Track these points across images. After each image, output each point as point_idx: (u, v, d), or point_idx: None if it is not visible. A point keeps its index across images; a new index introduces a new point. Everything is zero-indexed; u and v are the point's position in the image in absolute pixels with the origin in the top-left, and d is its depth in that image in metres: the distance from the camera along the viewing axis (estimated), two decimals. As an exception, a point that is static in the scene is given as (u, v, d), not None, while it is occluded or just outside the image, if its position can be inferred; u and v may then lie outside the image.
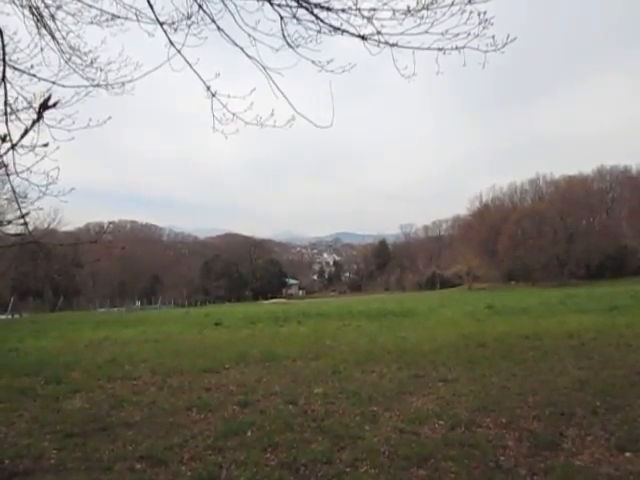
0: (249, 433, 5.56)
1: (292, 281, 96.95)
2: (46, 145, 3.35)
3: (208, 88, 4.63)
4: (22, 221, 3.52)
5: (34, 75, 4.82)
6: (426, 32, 3.95)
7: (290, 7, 4.30)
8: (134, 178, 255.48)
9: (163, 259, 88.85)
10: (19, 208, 3.61)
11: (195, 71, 4.50)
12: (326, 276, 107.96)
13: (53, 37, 5.11)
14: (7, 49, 4.55)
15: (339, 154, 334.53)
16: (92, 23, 5.09)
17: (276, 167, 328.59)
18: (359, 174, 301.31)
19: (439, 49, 4.01)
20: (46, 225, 47.90)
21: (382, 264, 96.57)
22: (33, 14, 5.04)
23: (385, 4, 4.01)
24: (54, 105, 2.80)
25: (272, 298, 74.70)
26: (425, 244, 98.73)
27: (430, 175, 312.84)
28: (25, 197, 3.83)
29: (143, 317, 26.37)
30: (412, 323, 16.87)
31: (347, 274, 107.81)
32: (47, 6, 5.04)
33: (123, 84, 5.09)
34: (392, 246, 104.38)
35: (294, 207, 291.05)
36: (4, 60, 4.44)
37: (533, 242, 64.11)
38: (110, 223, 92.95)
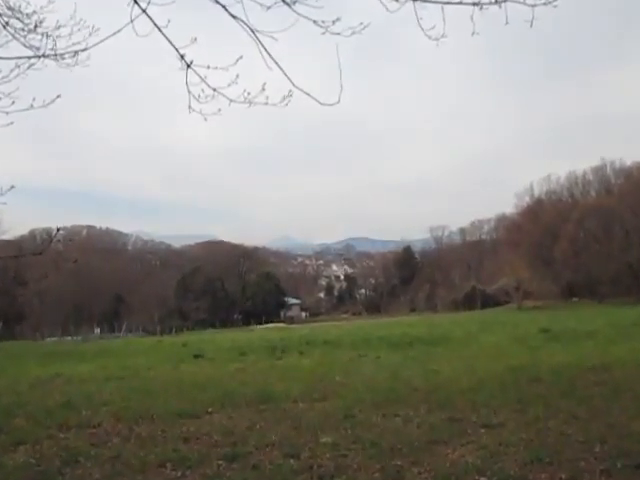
0: (238, 495, 5.55)
1: (292, 300, 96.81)
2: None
3: (182, 57, 4.64)
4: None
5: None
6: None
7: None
8: (92, 173, 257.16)
9: (128, 274, 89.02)
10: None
11: (165, 36, 4.51)
12: (336, 293, 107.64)
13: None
14: None
15: (349, 140, 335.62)
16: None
17: (270, 157, 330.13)
18: (375, 165, 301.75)
19: (474, 3, 3.99)
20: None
21: (407, 278, 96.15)
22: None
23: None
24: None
25: (267, 322, 74.51)
26: (462, 251, 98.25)
27: (466, 164, 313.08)
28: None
29: (104, 348, 26.40)
30: (446, 353, 16.80)
31: (362, 291, 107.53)
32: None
33: (76, 53, 5.08)
34: (419, 254, 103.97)
35: (294, 207, 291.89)
36: None
37: (600, 247, 63.63)
38: (60, 229, 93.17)
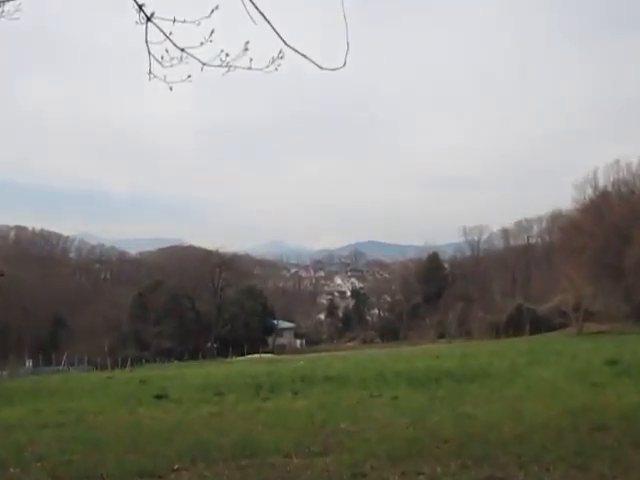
0: None
1: (284, 324, 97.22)
2: None
3: (140, 7, 4.65)
4: None
5: None
6: None
7: None
8: (21, 157, 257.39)
9: (70, 290, 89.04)
10: None
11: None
12: (340, 315, 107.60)
13: None
14: None
15: (356, 118, 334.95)
16: None
17: (256, 139, 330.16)
18: (389, 150, 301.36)
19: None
20: None
21: (433, 294, 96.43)
22: None
23: None
24: None
25: (251, 353, 74.67)
26: (504, 260, 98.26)
27: (509, 147, 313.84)
28: None
29: (38, 386, 26.32)
30: (483, 392, 16.79)
31: (375, 311, 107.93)
32: None
33: (1, 3, 5.09)
34: (449, 264, 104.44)
35: (286, 203, 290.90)
36: None
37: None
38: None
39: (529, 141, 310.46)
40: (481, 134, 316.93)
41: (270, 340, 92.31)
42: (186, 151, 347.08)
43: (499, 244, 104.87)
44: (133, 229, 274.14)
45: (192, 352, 77.31)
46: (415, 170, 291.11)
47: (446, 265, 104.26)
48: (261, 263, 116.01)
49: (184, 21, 4.61)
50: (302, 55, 4.51)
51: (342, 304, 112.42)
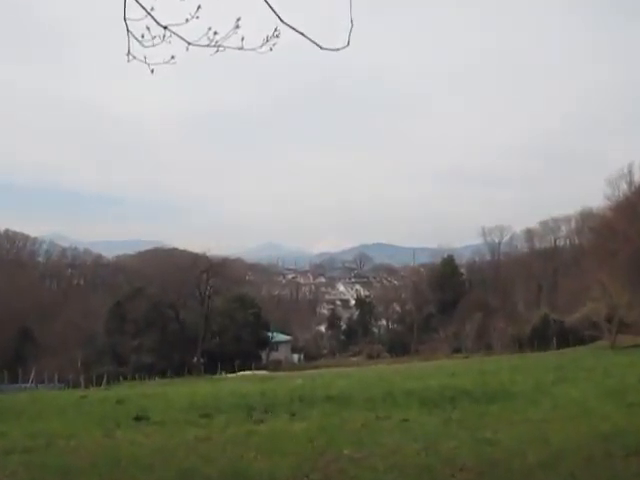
0: None
1: (280, 337, 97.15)
2: None
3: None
4: None
5: None
6: None
7: None
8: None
9: (39, 298, 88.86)
10: None
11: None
12: (343, 326, 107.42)
13: None
14: None
15: (361, 103, 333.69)
16: None
17: (247, 130, 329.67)
18: (399, 140, 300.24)
19: None
20: None
21: (449, 303, 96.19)
22: None
23: None
24: None
25: (243, 369, 74.58)
26: (528, 265, 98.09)
27: (535, 139, 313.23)
28: None
29: (2, 406, 26.26)
30: (505, 413, 16.78)
31: (382, 322, 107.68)
32: None
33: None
34: (467, 269, 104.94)
35: (283, 202, 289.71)
36: None
37: None
38: None
39: (557, 133, 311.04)
40: (501, 125, 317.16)
41: (264, 355, 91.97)
42: (169, 140, 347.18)
43: (522, 247, 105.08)
44: (109, 230, 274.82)
45: (176, 368, 76.73)
46: (428, 163, 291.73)
47: (463, 270, 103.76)
48: (254, 268, 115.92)
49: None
50: (300, 33, 4.50)
51: (345, 314, 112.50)
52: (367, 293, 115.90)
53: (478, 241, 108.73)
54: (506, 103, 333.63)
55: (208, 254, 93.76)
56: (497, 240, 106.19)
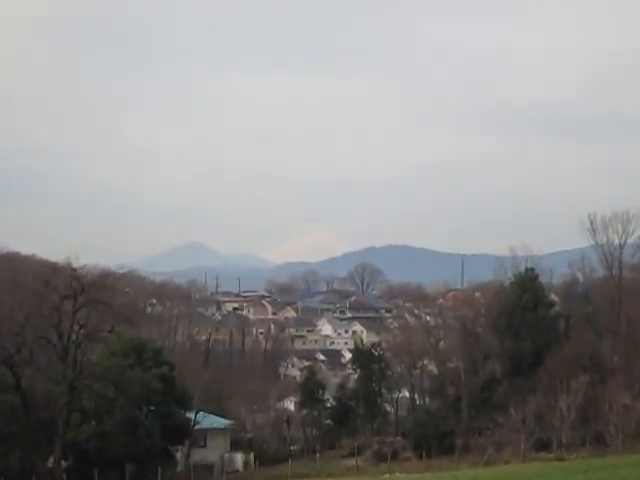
0: None
1: (212, 420, 75.32)
2: None
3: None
4: None
5: None
6: None
7: None
8: None
9: None
10: None
11: None
12: (330, 401, 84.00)
13: None
14: None
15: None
16: None
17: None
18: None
19: None
20: None
21: (527, 358, 74.20)
22: None
23: None
24: None
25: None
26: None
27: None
28: None
29: None
30: None
31: (404, 394, 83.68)
32: None
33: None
34: (561, 295, 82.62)
35: (207, 170, 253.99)
36: None
37: None
38: None
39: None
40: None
41: (180, 455, 69.18)
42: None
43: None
44: None
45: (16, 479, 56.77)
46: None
47: (554, 297, 78.47)
48: (163, 290, 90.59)
49: None
50: None
51: (334, 379, 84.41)
52: (375, 339, 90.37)
53: (581, 243, 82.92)
54: None
55: (76, 265, 66.11)
56: (618, 241, 75.75)
